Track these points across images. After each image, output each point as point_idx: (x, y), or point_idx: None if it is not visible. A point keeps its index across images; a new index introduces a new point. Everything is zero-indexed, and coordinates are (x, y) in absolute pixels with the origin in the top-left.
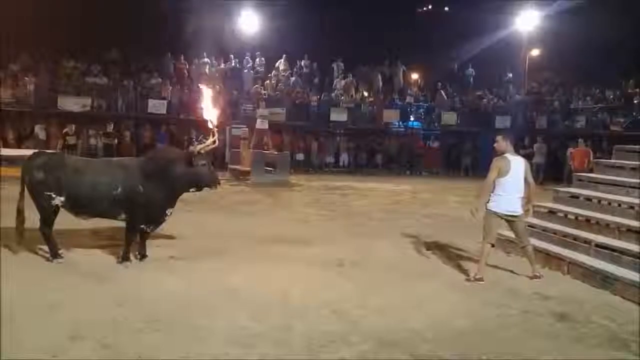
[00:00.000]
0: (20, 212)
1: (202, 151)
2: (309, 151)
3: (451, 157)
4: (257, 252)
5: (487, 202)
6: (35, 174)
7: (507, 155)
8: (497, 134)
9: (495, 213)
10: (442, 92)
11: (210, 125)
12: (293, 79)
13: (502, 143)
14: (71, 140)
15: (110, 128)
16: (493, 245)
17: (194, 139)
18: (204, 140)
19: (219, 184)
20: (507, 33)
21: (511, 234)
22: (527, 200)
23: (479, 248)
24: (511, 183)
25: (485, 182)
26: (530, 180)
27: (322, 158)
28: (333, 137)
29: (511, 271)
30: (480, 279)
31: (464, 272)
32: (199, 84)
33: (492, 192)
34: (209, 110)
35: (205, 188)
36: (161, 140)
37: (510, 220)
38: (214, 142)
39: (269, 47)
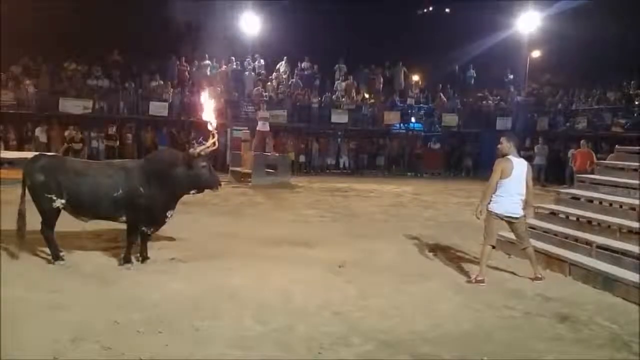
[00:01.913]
0: (21, 215)
1: (203, 153)
2: (310, 153)
3: (452, 158)
4: (258, 253)
5: (488, 204)
6: (37, 177)
7: (510, 157)
8: (500, 135)
9: (496, 214)
10: (442, 93)
11: (209, 127)
12: (293, 80)
13: (505, 145)
14: (77, 146)
15: (112, 130)
16: (494, 247)
17: (193, 141)
18: (204, 142)
19: (220, 185)
20: (508, 34)
21: (512, 236)
22: (525, 203)
23: (480, 250)
24: (513, 185)
25: (488, 184)
26: (530, 183)
27: (323, 160)
28: (334, 138)
29: (513, 273)
30: (482, 281)
31: (465, 273)
32: (200, 86)
33: (494, 193)
34: (209, 113)
35: (207, 190)
36: (162, 142)
37: (511, 222)
38: (214, 144)
39: (270, 49)
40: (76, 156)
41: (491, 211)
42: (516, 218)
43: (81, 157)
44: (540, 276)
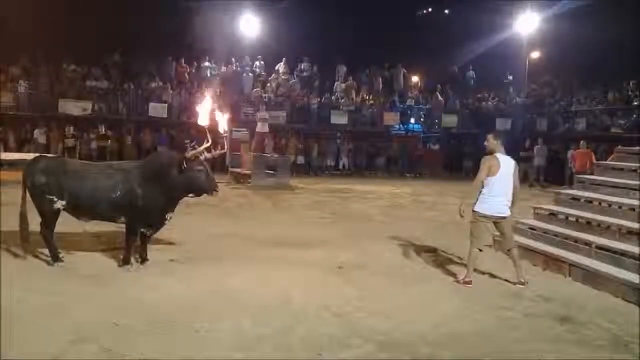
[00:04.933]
0: (23, 216)
1: (202, 156)
2: (310, 154)
3: (452, 159)
4: (258, 254)
5: (475, 205)
6: (37, 178)
7: (497, 154)
8: (488, 133)
9: (484, 216)
10: (439, 94)
11: (221, 131)
12: (291, 81)
13: (492, 142)
14: (70, 142)
15: (102, 130)
16: (481, 250)
17: (187, 144)
18: (196, 147)
19: (217, 191)
20: (507, 35)
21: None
22: (511, 202)
23: (467, 252)
24: (499, 183)
25: (475, 181)
26: (517, 182)
27: (323, 161)
28: (333, 139)
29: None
30: (469, 283)
31: (465, 274)
32: (199, 89)
33: (480, 193)
34: (206, 116)
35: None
36: (162, 143)
37: (497, 222)
38: (208, 149)
39: (270, 49)
40: (70, 154)
41: (477, 212)
42: (503, 218)
43: (75, 154)
44: (522, 281)
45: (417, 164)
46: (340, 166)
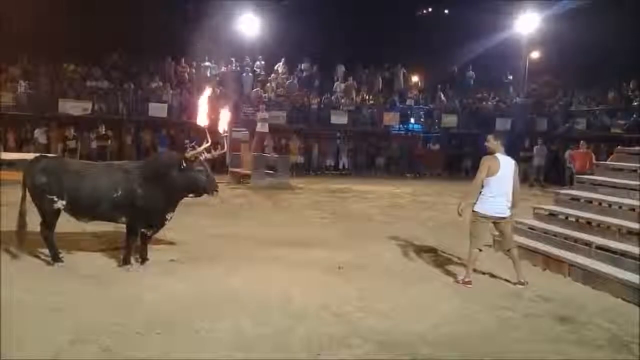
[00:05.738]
0: (22, 216)
1: (201, 156)
2: (310, 154)
3: (452, 159)
4: (258, 254)
5: (474, 205)
6: (37, 178)
7: (497, 155)
8: (488, 133)
9: (484, 216)
10: (442, 94)
11: (220, 131)
12: (289, 81)
13: (493, 142)
14: (71, 144)
15: (102, 130)
16: (481, 250)
17: (187, 145)
18: (196, 147)
19: (217, 191)
20: (507, 35)
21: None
22: (511, 204)
23: (467, 253)
24: (499, 183)
25: (474, 181)
26: (517, 183)
27: (323, 161)
28: (333, 139)
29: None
30: (468, 283)
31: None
32: (199, 89)
33: (480, 193)
34: (205, 116)
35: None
36: (162, 143)
37: (497, 222)
38: (208, 149)
39: (269, 49)
40: (72, 155)
41: (477, 212)
42: (503, 218)
43: (76, 156)
44: (522, 281)
45: (417, 164)
46: (340, 166)
